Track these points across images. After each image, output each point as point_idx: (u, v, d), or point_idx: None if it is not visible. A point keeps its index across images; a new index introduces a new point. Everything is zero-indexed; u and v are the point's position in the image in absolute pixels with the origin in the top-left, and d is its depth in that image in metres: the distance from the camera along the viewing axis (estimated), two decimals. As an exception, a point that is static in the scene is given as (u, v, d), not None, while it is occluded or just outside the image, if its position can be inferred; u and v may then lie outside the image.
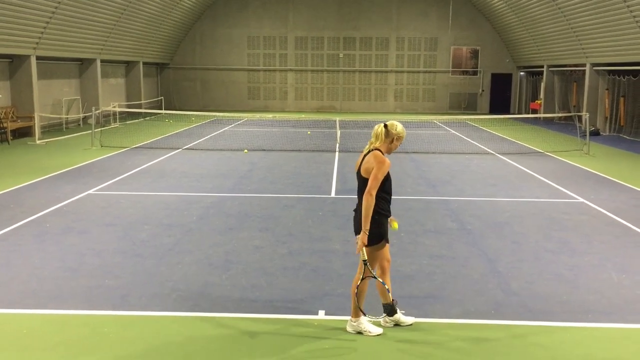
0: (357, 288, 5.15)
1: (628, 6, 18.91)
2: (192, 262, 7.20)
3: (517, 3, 27.89)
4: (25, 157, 15.72)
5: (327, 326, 5.41)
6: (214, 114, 22.59)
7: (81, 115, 24.19)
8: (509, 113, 33.40)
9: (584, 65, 24.87)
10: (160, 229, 8.65)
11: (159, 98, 33.07)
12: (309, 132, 22.57)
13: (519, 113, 32.70)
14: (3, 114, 18.80)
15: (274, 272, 6.85)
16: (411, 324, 5.43)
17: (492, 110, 34.70)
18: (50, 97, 22.55)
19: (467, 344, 5.10)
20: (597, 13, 21.35)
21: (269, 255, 7.47)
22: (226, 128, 24.04)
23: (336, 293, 6.21)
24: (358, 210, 5.21)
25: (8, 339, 5.11)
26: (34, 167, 13.88)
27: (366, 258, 5.10)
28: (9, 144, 18.24)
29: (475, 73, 34.96)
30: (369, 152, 5.19)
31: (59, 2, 19.15)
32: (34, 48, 19.65)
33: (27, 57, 19.69)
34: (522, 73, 33.90)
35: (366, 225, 5.00)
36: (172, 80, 35.03)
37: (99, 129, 19.96)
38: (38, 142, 18.64)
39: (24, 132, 19.99)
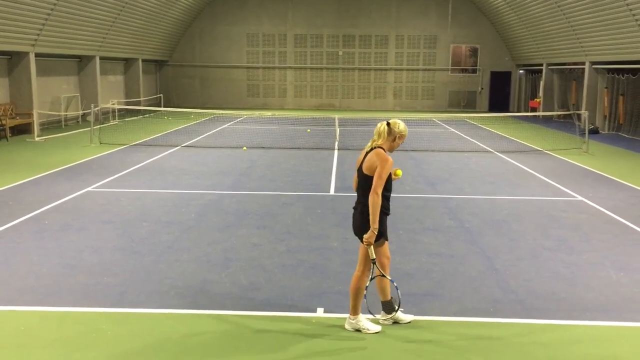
0: (365, 290, 5.17)
1: (627, 5, 18.91)
2: (191, 259, 7.20)
3: (517, 1, 27.87)
4: (24, 154, 15.70)
5: (325, 324, 5.42)
6: (213, 111, 22.54)
7: (80, 112, 24.18)
8: (508, 111, 33.37)
9: (583, 63, 24.88)
10: (159, 226, 8.65)
11: (158, 95, 33.04)
12: (308, 130, 22.55)
13: (518, 111, 32.67)
14: (2, 111, 18.77)
15: (273, 270, 6.85)
16: (409, 322, 5.44)
17: (491, 109, 34.69)
18: (49, 94, 22.53)
19: (465, 341, 5.11)
20: (596, 11, 21.35)
21: (268, 253, 7.47)
22: (225, 125, 24.04)
23: (334, 290, 6.22)
24: (357, 208, 5.21)
25: (6, 336, 5.11)
26: (32, 164, 13.86)
27: (374, 257, 5.10)
28: (7, 141, 18.22)
29: (474, 71, 34.94)
30: (371, 149, 5.20)
31: (58, -1, 19.14)
32: (33, 45, 19.62)
33: (26, 54, 19.66)
34: (521, 71, 33.89)
35: (374, 223, 5.00)
36: (171, 78, 34.98)
37: (98, 126, 19.95)
38: (37, 139, 18.63)
39: (22, 129, 19.97)
